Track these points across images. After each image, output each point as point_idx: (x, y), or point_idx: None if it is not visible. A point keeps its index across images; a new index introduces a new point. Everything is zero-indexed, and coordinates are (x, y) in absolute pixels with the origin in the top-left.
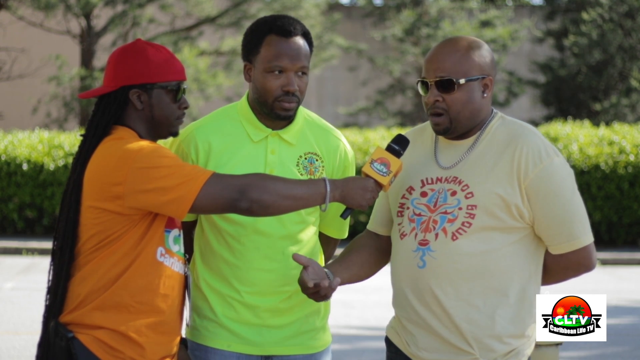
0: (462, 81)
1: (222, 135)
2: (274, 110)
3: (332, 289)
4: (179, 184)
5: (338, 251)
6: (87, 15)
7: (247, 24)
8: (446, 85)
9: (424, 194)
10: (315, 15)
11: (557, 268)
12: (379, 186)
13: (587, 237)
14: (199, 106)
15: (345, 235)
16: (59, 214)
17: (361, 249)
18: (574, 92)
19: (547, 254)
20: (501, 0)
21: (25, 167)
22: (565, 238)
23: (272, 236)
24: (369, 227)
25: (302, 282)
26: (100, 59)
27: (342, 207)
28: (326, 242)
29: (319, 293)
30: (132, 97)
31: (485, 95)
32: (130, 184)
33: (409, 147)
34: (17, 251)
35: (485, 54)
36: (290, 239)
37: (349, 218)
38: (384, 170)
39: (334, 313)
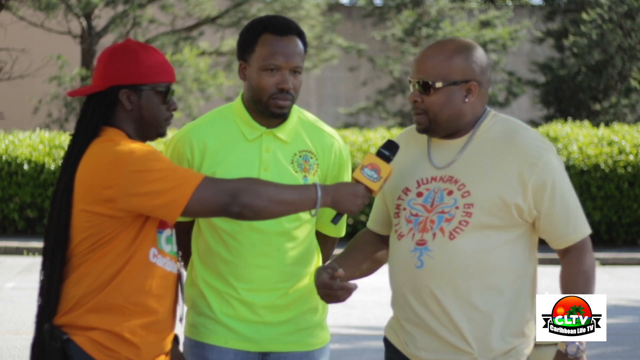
0: (438, 84)
1: (217, 135)
2: (268, 108)
3: (344, 287)
4: (171, 187)
5: (339, 251)
6: (88, 16)
7: None
8: (424, 87)
9: (419, 194)
10: (315, 15)
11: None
12: (370, 192)
13: (585, 230)
14: (199, 106)
15: (343, 234)
16: (49, 215)
17: (364, 246)
18: (574, 92)
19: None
20: (501, 1)
21: (26, 167)
22: (570, 231)
23: (268, 233)
24: (369, 225)
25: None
26: None
27: None
28: (324, 241)
29: (332, 289)
30: (121, 97)
31: (467, 100)
32: (121, 187)
33: (404, 148)
34: (18, 251)
35: (474, 58)
36: (286, 235)
37: (346, 217)
38: (375, 175)
39: (333, 313)
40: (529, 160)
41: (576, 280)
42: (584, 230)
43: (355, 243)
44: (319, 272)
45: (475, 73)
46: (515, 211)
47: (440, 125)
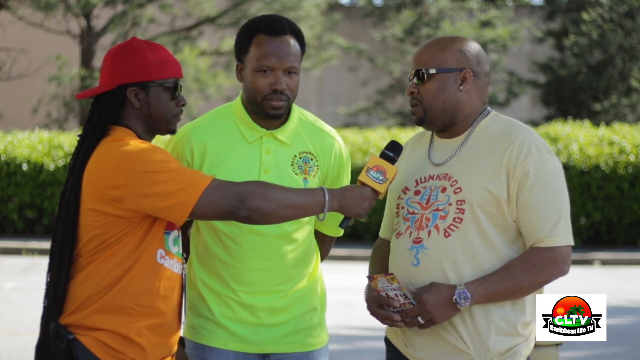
0: (432, 71)
1: (217, 136)
2: (263, 109)
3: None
4: (179, 189)
5: (339, 251)
6: (87, 15)
7: None
8: (419, 76)
9: (417, 193)
10: (315, 15)
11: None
12: (376, 194)
13: (564, 238)
14: (199, 106)
15: (341, 233)
16: (57, 215)
17: (385, 259)
18: (574, 92)
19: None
20: (501, 0)
21: (25, 167)
22: (544, 232)
23: (268, 236)
24: (382, 234)
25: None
26: (100, 59)
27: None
28: (322, 239)
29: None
30: (129, 95)
31: (462, 88)
32: (129, 188)
33: (410, 151)
34: (17, 251)
35: (467, 48)
36: (286, 238)
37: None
38: (381, 177)
39: (334, 313)
40: (520, 152)
41: (525, 269)
42: (563, 238)
43: (378, 256)
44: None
45: (470, 62)
46: (505, 207)
47: (436, 113)
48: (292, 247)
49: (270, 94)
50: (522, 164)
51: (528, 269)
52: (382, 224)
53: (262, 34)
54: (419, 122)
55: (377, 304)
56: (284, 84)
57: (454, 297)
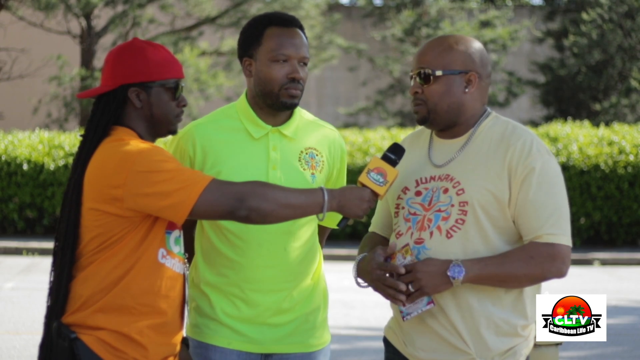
0: (438, 73)
1: (221, 133)
2: (280, 99)
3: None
4: (178, 189)
5: (339, 251)
6: (88, 16)
7: None
8: (424, 77)
9: (418, 193)
10: (315, 15)
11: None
12: (375, 196)
13: (564, 238)
14: (199, 106)
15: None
16: (60, 214)
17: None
18: (574, 92)
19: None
20: (501, 1)
21: (25, 167)
22: (545, 229)
23: (274, 232)
24: (373, 229)
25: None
26: (101, 59)
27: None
28: (321, 232)
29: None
30: (131, 95)
31: (467, 90)
32: (129, 187)
33: (408, 150)
34: (17, 251)
35: (472, 50)
36: (292, 235)
37: None
38: (381, 180)
39: (334, 313)
40: (522, 152)
41: (522, 259)
42: (562, 237)
43: (369, 244)
44: (374, 253)
45: (475, 64)
46: (508, 210)
47: (440, 115)
48: (298, 243)
49: (287, 83)
50: (524, 164)
51: (526, 260)
52: (374, 219)
53: (275, 26)
54: (421, 121)
55: (384, 271)
56: (300, 72)
57: (448, 270)
